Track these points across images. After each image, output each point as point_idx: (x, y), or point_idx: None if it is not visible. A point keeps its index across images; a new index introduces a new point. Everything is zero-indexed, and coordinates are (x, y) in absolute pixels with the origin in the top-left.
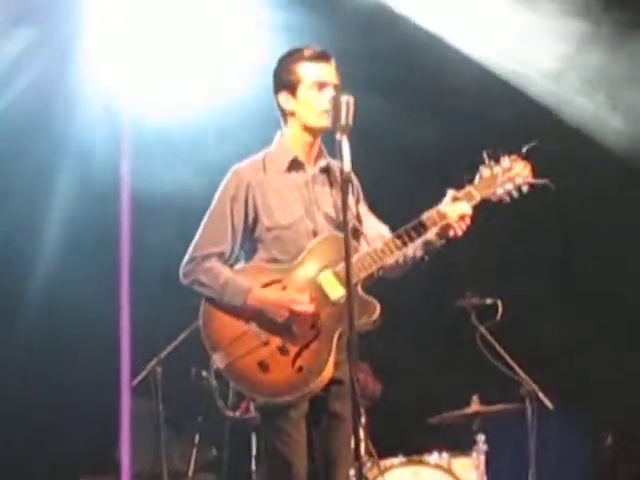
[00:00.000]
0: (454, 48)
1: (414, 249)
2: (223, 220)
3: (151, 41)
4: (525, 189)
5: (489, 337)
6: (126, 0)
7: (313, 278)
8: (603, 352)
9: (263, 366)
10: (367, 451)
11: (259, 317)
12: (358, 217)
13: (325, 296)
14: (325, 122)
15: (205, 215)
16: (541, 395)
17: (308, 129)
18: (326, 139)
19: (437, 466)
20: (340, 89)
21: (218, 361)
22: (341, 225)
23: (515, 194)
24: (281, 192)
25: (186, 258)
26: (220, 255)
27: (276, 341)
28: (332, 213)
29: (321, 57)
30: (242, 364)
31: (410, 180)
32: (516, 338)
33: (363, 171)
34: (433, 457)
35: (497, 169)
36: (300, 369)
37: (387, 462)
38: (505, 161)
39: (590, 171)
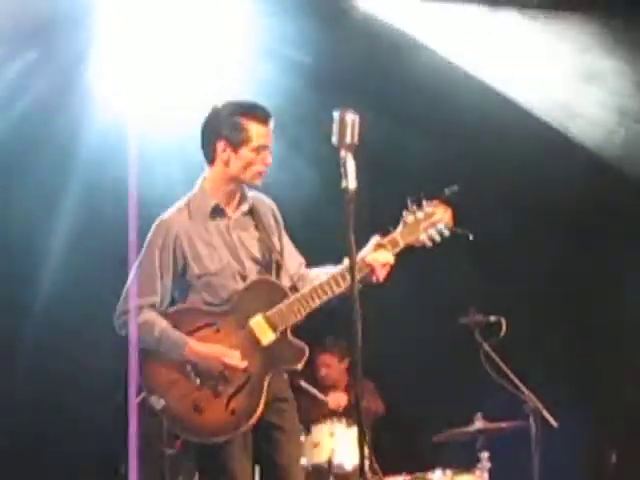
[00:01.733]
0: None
1: (339, 293)
2: (152, 271)
3: (156, 52)
4: (446, 233)
5: (493, 354)
6: (131, 15)
7: (244, 323)
8: (606, 368)
9: (198, 409)
10: (371, 468)
11: (193, 364)
12: (281, 252)
13: (256, 341)
14: (255, 182)
15: (134, 266)
16: (545, 412)
17: (235, 180)
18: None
19: None
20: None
21: (155, 403)
22: (266, 266)
23: (437, 238)
24: (207, 239)
25: (119, 310)
26: (152, 305)
27: (209, 385)
28: (258, 256)
29: (268, 119)
30: (177, 407)
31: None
32: (520, 355)
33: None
34: (437, 474)
35: (420, 214)
36: (233, 412)
37: (391, 479)
38: (427, 206)
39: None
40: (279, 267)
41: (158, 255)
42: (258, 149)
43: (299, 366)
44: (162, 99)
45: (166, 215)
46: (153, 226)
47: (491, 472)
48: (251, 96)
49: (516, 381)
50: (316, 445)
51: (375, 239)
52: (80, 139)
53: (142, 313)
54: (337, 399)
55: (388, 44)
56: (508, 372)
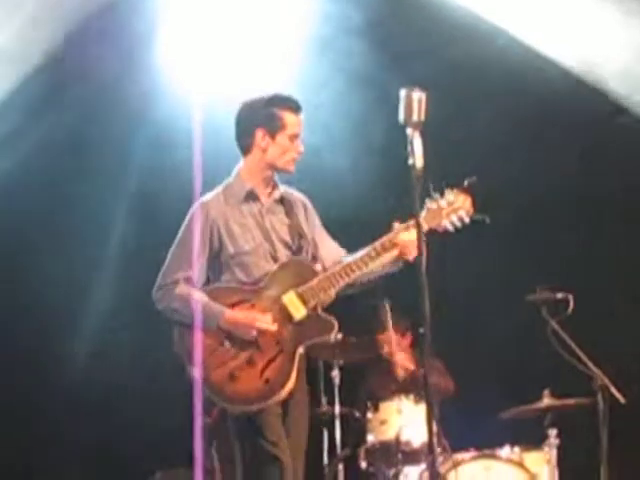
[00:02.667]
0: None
1: (369, 273)
2: (190, 248)
3: (220, 30)
4: (466, 220)
5: (560, 331)
6: None
7: (277, 299)
8: None
9: (233, 377)
10: (440, 445)
11: (229, 334)
12: (314, 243)
13: (289, 316)
14: (289, 169)
15: (174, 245)
16: (613, 389)
17: (271, 167)
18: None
19: (509, 460)
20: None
21: (195, 373)
22: (297, 250)
23: (458, 224)
24: (241, 220)
25: (157, 284)
26: (188, 279)
27: (244, 355)
28: (288, 240)
29: (299, 109)
30: (214, 375)
31: None
32: (588, 332)
33: None
34: (505, 451)
35: (442, 202)
36: (267, 381)
37: (459, 456)
38: (449, 194)
39: None
40: (311, 255)
41: (197, 235)
42: (292, 137)
43: (328, 337)
44: (226, 77)
45: (205, 199)
46: (192, 208)
47: (559, 449)
48: (313, 79)
49: (584, 358)
50: (383, 422)
51: (397, 225)
52: (146, 116)
53: (178, 286)
54: (404, 359)
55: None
56: (576, 349)
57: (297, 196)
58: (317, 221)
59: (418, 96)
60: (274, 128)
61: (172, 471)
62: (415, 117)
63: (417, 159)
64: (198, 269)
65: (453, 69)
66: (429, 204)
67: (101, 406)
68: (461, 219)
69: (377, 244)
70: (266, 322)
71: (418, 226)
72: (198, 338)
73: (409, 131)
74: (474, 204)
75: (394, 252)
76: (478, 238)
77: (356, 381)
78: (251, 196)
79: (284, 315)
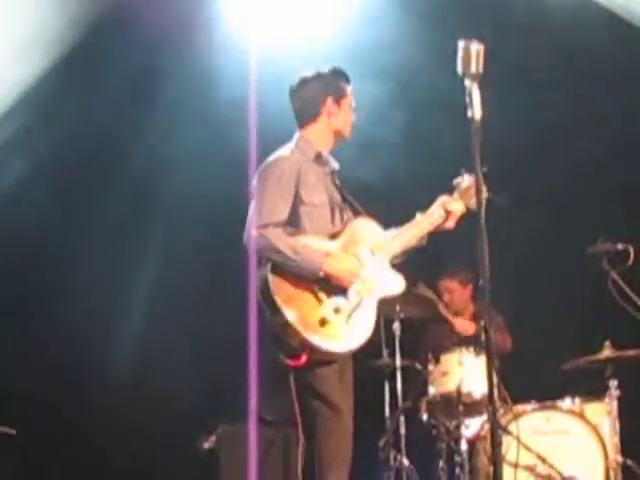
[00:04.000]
0: None
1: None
2: (280, 195)
3: None
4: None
5: (621, 282)
6: None
7: (355, 252)
8: None
9: (324, 322)
10: (501, 397)
11: (320, 280)
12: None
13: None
14: (349, 134)
15: (260, 192)
16: None
17: (336, 133)
18: None
19: (569, 411)
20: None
21: (288, 315)
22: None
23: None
24: (314, 177)
25: (257, 224)
26: (282, 223)
27: (331, 302)
28: (341, 205)
29: (350, 80)
30: (307, 319)
31: None
32: None
33: None
34: (566, 403)
35: (464, 184)
36: (353, 327)
37: (520, 408)
38: (467, 179)
39: None
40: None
41: (285, 183)
42: (350, 105)
43: (400, 291)
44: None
45: (282, 153)
46: (270, 162)
47: (620, 400)
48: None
49: None
50: (445, 374)
51: (443, 197)
52: (205, 69)
53: (272, 229)
54: (463, 324)
55: None
56: (636, 300)
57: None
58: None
59: (476, 48)
60: (340, 96)
61: (236, 425)
62: (473, 69)
63: (476, 111)
64: (287, 216)
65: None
66: (459, 184)
67: (164, 357)
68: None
69: (436, 207)
70: (359, 269)
71: (477, 179)
72: (289, 282)
73: (467, 82)
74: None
75: (442, 218)
76: (539, 191)
77: (417, 333)
78: (319, 158)
79: (361, 268)
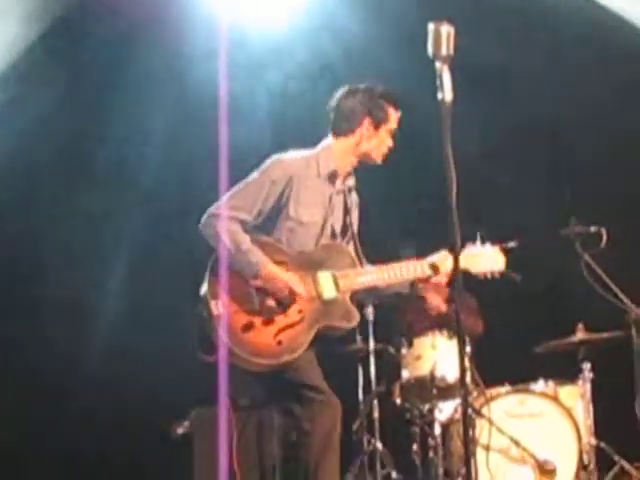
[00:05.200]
0: None
1: (397, 286)
2: (257, 195)
3: None
4: (497, 276)
5: (594, 265)
6: None
7: (314, 274)
8: None
9: (248, 327)
10: (473, 380)
11: (261, 287)
12: (356, 244)
13: (319, 292)
14: (379, 161)
15: (241, 183)
16: None
17: (363, 156)
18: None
19: (543, 394)
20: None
21: (214, 307)
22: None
23: (488, 276)
24: (312, 194)
25: (211, 210)
26: (243, 222)
27: (267, 312)
28: (338, 230)
29: (399, 106)
30: (234, 319)
31: None
32: (622, 265)
33: None
34: (539, 385)
35: (482, 251)
36: (279, 343)
37: (493, 391)
38: (489, 249)
39: None
40: (355, 243)
41: (268, 185)
42: (390, 131)
43: (348, 326)
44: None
45: (287, 157)
46: (270, 161)
47: (593, 382)
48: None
49: (617, 291)
50: (418, 357)
51: (444, 252)
52: (176, 50)
53: (232, 223)
54: (436, 300)
55: None
56: (609, 282)
57: (355, 193)
58: (356, 222)
59: (447, 30)
60: (379, 120)
61: (209, 409)
62: (444, 51)
63: (446, 93)
64: (253, 219)
65: None
66: (471, 248)
67: (136, 342)
68: (493, 275)
69: (423, 262)
70: (300, 288)
71: (447, 160)
72: (230, 279)
73: (438, 65)
74: (507, 265)
75: (430, 273)
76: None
77: (390, 317)
78: (332, 177)
79: (315, 290)
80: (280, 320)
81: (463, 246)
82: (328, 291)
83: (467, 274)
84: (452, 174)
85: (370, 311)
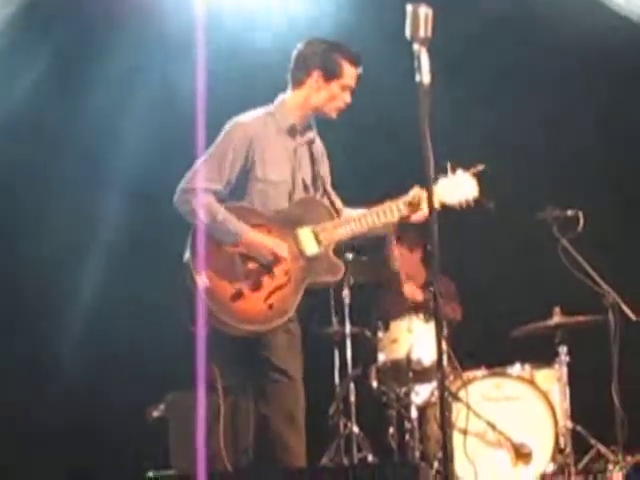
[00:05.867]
0: None
1: (376, 228)
2: (223, 162)
3: None
4: (471, 203)
5: (571, 249)
6: None
7: (293, 232)
8: None
9: (238, 296)
10: (450, 364)
11: (244, 254)
12: (327, 192)
13: (301, 250)
14: (333, 115)
15: (205, 153)
16: (624, 306)
17: (316, 109)
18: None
19: (519, 378)
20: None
21: (200, 282)
22: (315, 193)
23: (464, 206)
24: (276, 151)
25: (183, 186)
26: (215, 192)
27: (254, 277)
28: (309, 183)
29: (358, 63)
30: (220, 290)
31: None
32: (599, 249)
33: None
34: (515, 369)
35: (454, 181)
36: (270, 306)
37: (470, 374)
38: (461, 176)
39: None
40: (328, 197)
41: (232, 150)
42: (344, 87)
43: (334, 279)
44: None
45: (244, 119)
46: (228, 125)
47: (570, 366)
48: None
49: (594, 275)
50: (394, 341)
51: (416, 189)
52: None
53: (207, 195)
54: (412, 290)
55: None
56: (586, 266)
57: (320, 143)
58: (328, 168)
59: (425, 12)
60: (331, 73)
61: (184, 393)
62: (422, 33)
63: (424, 75)
64: (224, 186)
65: None
66: (442, 180)
67: (109, 331)
68: (468, 203)
69: (399, 200)
70: (282, 250)
71: (425, 146)
72: (211, 251)
73: (416, 47)
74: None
75: (409, 210)
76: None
77: (367, 300)
78: (291, 131)
79: (297, 248)
80: (268, 284)
81: (436, 179)
82: (310, 247)
83: (443, 207)
84: (430, 154)
85: (347, 294)
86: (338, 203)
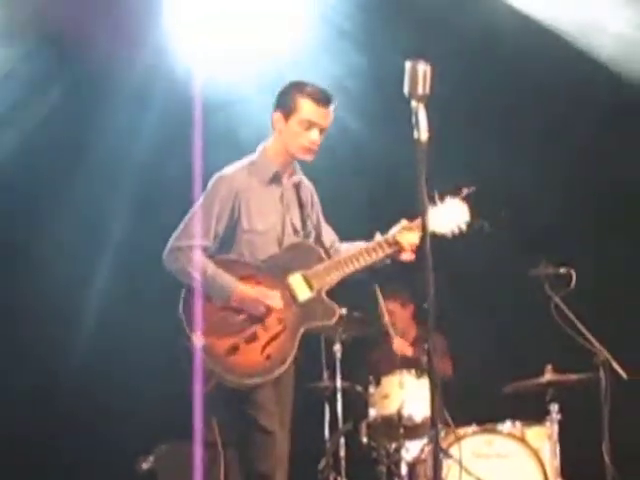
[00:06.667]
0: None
1: (374, 262)
2: (210, 218)
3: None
4: (464, 228)
5: (563, 306)
6: None
7: (284, 279)
8: None
9: (235, 350)
10: (442, 420)
11: (236, 307)
12: (318, 230)
13: (293, 296)
14: (302, 156)
15: (190, 211)
16: (615, 365)
17: (286, 151)
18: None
19: (510, 435)
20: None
21: (196, 341)
22: (305, 237)
23: (456, 232)
24: (261, 201)
25: (171, 245)
26: (204, 248)
27: (248, 330)
28: (298, 226)
29: (322, 100)
30: (216, 346)
31: None
32: (590, 307)
33: None
34: (506, 426)
35: (443, 209)
36: (268, 357)
37: (461, 431)
38: (450, 203)
39: None
40: (317, 239)
41: (217, 205)
42: (302, 122)
43: (330, 323)
44: (229, 52)
45: (228, 172)
46: (213, 180)
47: (561, 424)
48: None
49: (586, 333)
50: (386, 396)
51: (404, 222)
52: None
53: (195, 252)
54: (402, 345)
55: None
56: (578, 324)
57: (307, 182)
58: (319, 207)
59: (423, 68)
60: (287, 111)
61: (177, 444)
62: (420, 90)
63: (422, 132)
64: (212, 242)
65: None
66: (431, 210)
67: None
68: (460, 229)
69: (381, 240)
70: (274, 300)
71: (422, 201)
72: (203, 308)
73: (414, 104)
74: (472, 212)
75: (394, 249)
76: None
77: (358, 355)
78: (275, 179)
79: (289, 295)
80: (262, 334)
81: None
82: (302, 293)
83: (435, 237)
84: (427, 210)
85: (338, 348)
86: (331, 240)
